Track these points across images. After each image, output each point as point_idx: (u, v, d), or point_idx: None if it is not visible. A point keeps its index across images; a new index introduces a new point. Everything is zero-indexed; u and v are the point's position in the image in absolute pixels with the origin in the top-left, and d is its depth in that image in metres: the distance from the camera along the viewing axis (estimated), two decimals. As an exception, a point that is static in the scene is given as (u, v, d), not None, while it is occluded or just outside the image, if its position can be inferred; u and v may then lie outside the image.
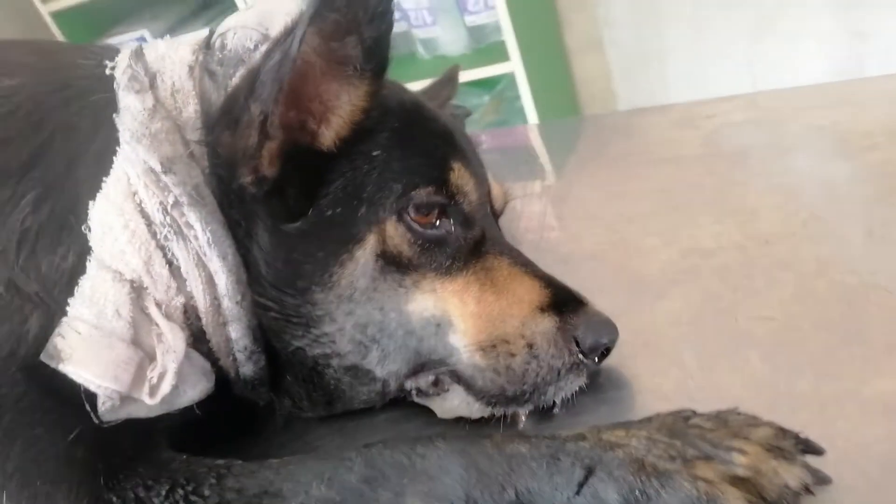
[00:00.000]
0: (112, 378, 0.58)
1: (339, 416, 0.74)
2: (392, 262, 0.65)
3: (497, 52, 2.34)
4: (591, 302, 0.69)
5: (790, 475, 0.52)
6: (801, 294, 0.74)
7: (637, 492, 0.53)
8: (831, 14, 2.44)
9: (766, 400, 0.64)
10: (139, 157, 0.60)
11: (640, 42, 2.74)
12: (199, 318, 0.64)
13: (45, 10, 2.67)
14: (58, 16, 2.70)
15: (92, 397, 0.58)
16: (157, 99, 0.63)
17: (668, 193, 0.99)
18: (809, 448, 0.55)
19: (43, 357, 0.58)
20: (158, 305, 0.61)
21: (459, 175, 0.68)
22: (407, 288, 0.66)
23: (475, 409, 0.67)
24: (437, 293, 0.66)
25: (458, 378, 0.67)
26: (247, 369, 0.68)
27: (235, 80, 0.63)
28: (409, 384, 0.69)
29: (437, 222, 0.67)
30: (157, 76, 0.65)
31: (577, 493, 0.54)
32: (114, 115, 0.62)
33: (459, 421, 0.69)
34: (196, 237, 0.61)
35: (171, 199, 0.60)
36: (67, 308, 0.59)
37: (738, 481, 0.52)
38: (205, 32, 0.71)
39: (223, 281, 0.62)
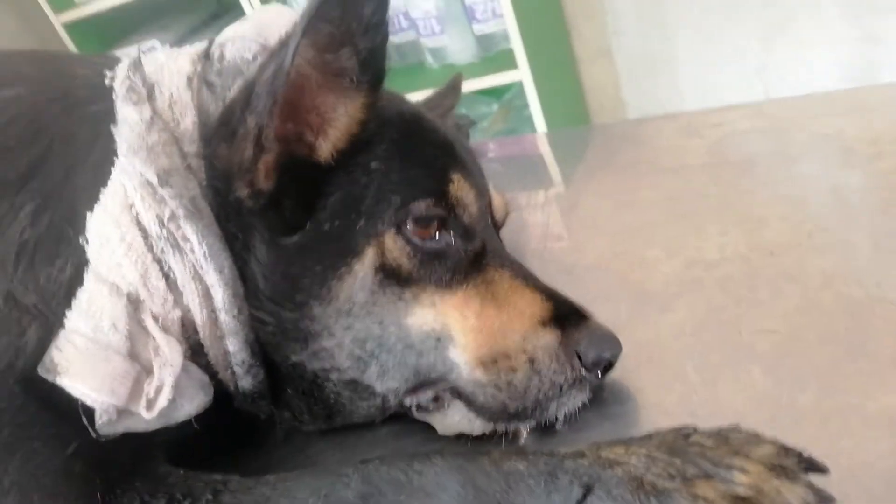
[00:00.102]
0: (109, 392, 0.58)
1: (340, 430, 0.73)
2: (391, 276, 0.65)
3: (505, 61, 2.34)
4: (594, 315, 0.68)
5: (793, 495, 0.51)
6: (805, 306, 0.73)
7: (635, 511, 0.52)
8: (844, 20, 2.42)
9: (768, 415, 0.63)
10: (136, 169, 0.60)
11: (649, 50, 2.74)
12: (196, 332, 0.64)
13: (58, 22, 2.70)
14: (70, 27, 2.73)
15: (89, 411, 0.58)
16: (154, 110, 0.63)
17: (673, 203, 0.98)
18: (813, 466, 0.54)
19: (40, 370, 0.58)
20: (155, 318, 0.61)
21: (459, 187, 0.67)
22: (406, 301, 0.65)
23: (476, 426, 0.66)
24: (436, 307, 0.66)
25: (458, 394, 0.66)
26: (245, 382, 0.68)
27: (233, 92, 0.63)
28: (409, 400, 0.69)
29: (437, 235, 0.66)
30: (156, 87, 0.64)
31: (575, 511, 0.53)
32: (111, 127, 0.62)
33: (460, 437, 0.68)
34: (192, 250, 0.61)
35: (167, 212, 0.60)
36: (65, 321, 0.59)
37: (739, 501, 0.51)
38: (205, 43, 0.71)
39: (220, 294, 0.62)
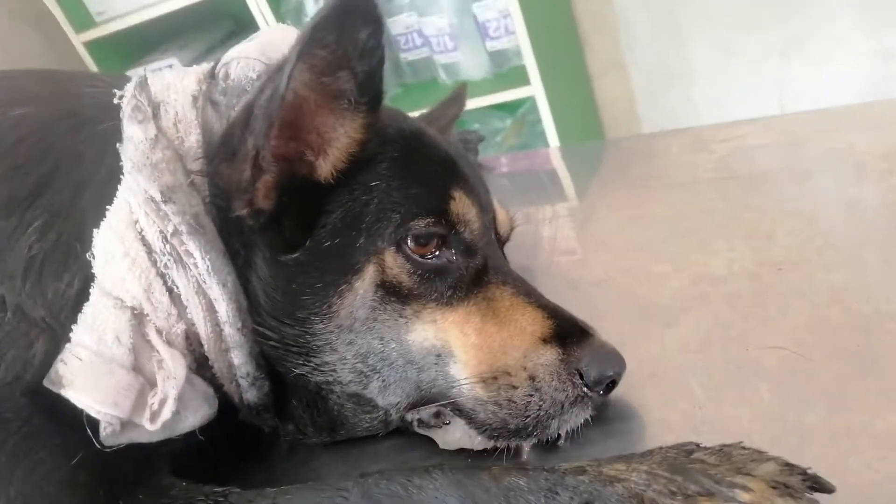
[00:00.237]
0: (112, 404, 0.59)
1: (343, 443, 0.74)
2: (392, 293, 0.65)
3: (518, 77, 2.35)
4: (598, 332, 0.68)
5: (796, 513, 0.51)
6: (814, 323, 0.72)
7: (635, 528, 0.51)
8: (861, 34, 2.40)
9: (774, 433, 0.62)
10: (140, 186, 0.61)
11: (663, 64, 2.73)
12: (201, 345, 0.64)
13: (78, 41, 2.75)
14: (91, 45, 2.78)
15: (94, 422, 0.59)
16: (159, 129, 0.64)
17: (681, 218, 0.97)
18: (818, 485, 0.53)
19: (45, 382, 0.59)
20: (159, 332, 0.62)
21: (460, 204, 0.68)
22: (407, 318, 0.66)
23: (477, 442, 0.66)
24: (437, 324, 0.66)
25: (459, 410, 0.66)
26: (250, 395, 0.68)
27: (235, 112, 0.64)
28: (411, 415, 0.69)
29: (438, 252, 0.67)
30: (161, 106, 0.66)
31: (575, 527, 0.53)
32: (117, 145, 0.63)
33: (462, 451, 0.68)
34: (196, 265, 0.61)
35: (170, 228, 0.60)
36: (70, 334, 0.60)
37: (740, 519, 0.50)
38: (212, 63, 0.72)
39: (223, 308, 0.63)
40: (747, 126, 1.18)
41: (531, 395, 0.63)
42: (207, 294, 0.62)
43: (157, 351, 0.61)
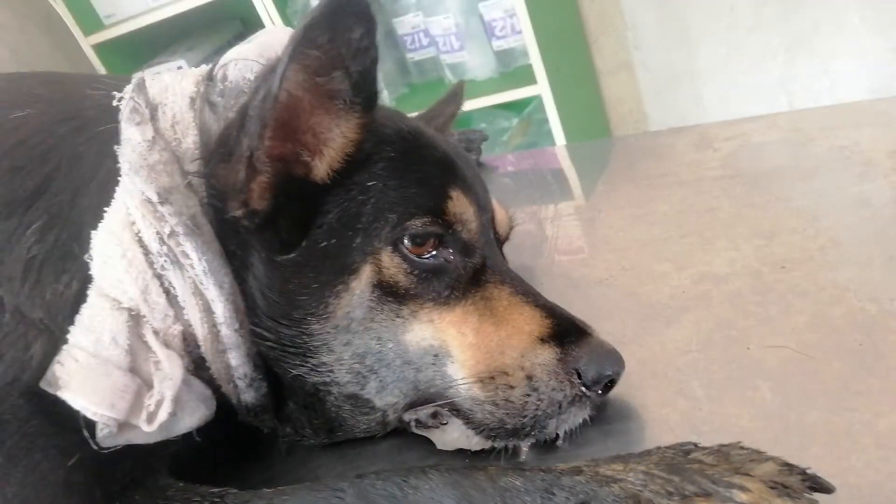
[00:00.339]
0: (108, 405, 0.59)
1: (341, 443, 0.74)
2: (389, 293, 0.65)
3: (524, 76, 2.35)
4: (596, 331, 0.67)
5: (794, 514, 0.50)
6: (816, 322, 0.72)
7: (631, 529, 0.51)
8: (869, 31, 2.38)
9: (774, 433, 0.61)
10: (137, 187, 0.61)
11: (670, 63, 2.72)
12: (198, 346, 0.64)
13: (87, 44, 2.77)
14: (100, 48, 2.79)
15: (91, 424, 0.59)
16: (156, 130, 0.64)
17: (684, 217, 0.97)
18: (817, 485, 0.53)
19: (42, 384, 0.59)
20: (156, 333, 0.62)
21: (458, 203, 0.67)
22: (404, 318, 0.65)
23: (475, 442, 0.66)
24: (434, 323, 0.66)
25: (456, 411, 0.66)
26: (248, 396, 0.68)
27: (232, 113, 0.64)
28: (408, 416, 0.68)
29: (435, 251, 0.66)
30: (159, 108, 0.66)
31: (571, 528, 0.53)
32: (115, 147, 0.63)
33: (460, 452, 0.68)
34: (192, 266, 0.61)
35: (167, 229, 0.61)
36: (68, 336, 0.60)
37: (737, 520, 0.50)
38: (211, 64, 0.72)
39: (220, 309, 0.63)
40: (752, 123, 1.17)
41: (529, 395, 0.63)
42: (204, 295, 0.62)
43: (154, 352, 0.61)
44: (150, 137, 0.63)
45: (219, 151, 0.63)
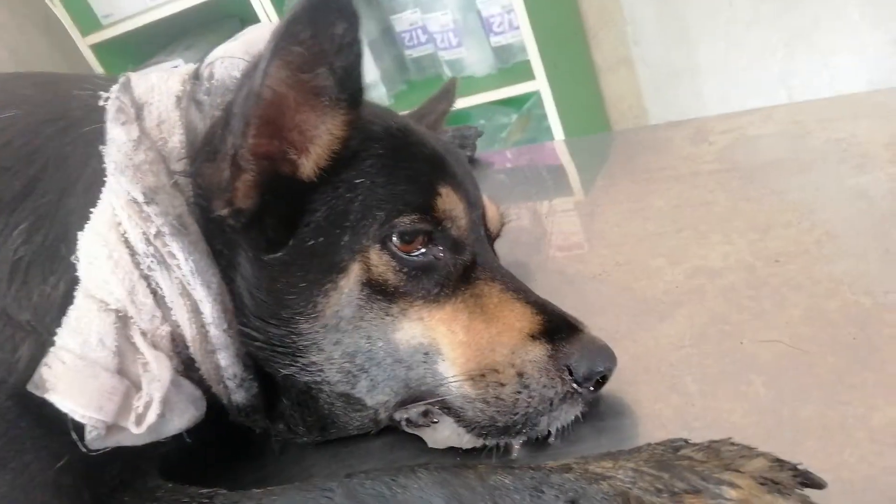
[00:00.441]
0: (96, 408, 0.58)
1: (334, 442, 0.73)
2: (378, 291, 0.64)
3: (523, 72, 2.34)
4: (588, 327, 0.67)
5: (785, 510, 0.50)
6: (810, 316, 0.71)
7: (620, 527, 0.50)
8: (868, 24, 2.37)
9: (767, 427, 0.61)
10: (122, 187, 0.60)
11: (670, 59, 2.71)
12: (187, 347, 0.64)
13: (84, 44, 2.76)
14: (98, 48, 2.79)
15: (79, 426, 0.59)
16: (142, 130, 0.63)
17: (680, 211, 0.96)
18: (809, 481, 0.52)
19: (29, 387, 0.59)
20: (144, 334, 0.61)
21: (447, 200, 0.67)
22: (394, 316, 0.65)
23: (465, 440, 0.65)
24: (424, 321, 0.65)
25: (447, 409, 0.65)
26: (238, 396, 0.68)
27: (218, 111, 0.63)
28: (399, 415, 0.68)
29: (424, 249, 0.66)
30: (145, 107, 0.65)
31: (560, 526, 0.52)
32: (101, 147, 0.63)
33: (452, 450, 0.67)
34: (179, 266, 0.61)
35: (153, 230, 0.60)
36: (55, 338, 0.60)
37: (727, 517, 0.49)
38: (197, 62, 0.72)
39: (208, 309, 0.62)
40: (748, 117, 1.16)
41: (519, 392, 0.63)
42: (192, 295, 0.62)
43: (142, 353, 0.61)
44: (135, 137, 0.62)
45: (204, 150, 0.62)
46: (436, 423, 0.67)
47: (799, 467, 0.53)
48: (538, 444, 0.66)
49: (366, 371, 0.66)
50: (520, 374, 0.63)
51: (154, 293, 0.61)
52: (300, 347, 0.65)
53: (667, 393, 0.67)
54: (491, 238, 0.78)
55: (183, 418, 0.63)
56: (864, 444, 0.57)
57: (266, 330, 0.65)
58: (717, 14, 2.56)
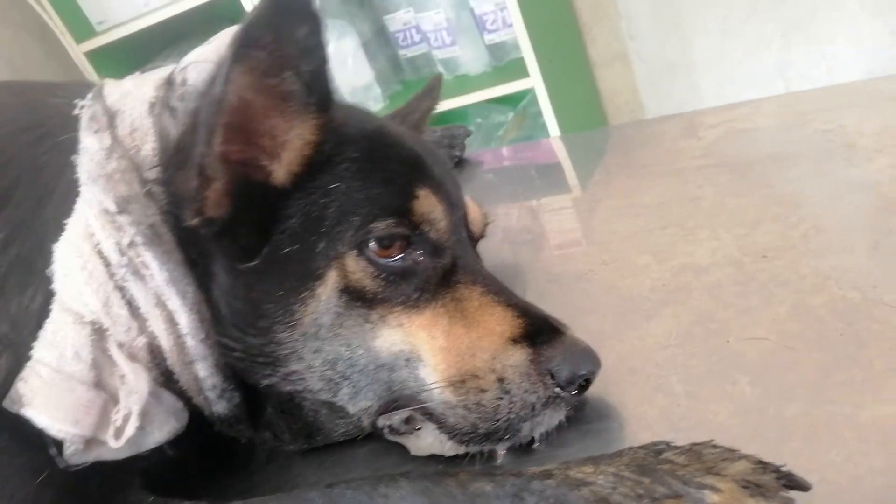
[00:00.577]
0: (72, 422, 0.58)
1: (320, 450, 0.73)
2: (356, 298, 0.63)
3: (517, 69, 2.33)
4: (571, 329, 0.66)
5: (767, 514, 0.49)
6: (797, 312, 0.70)
7: (599, 534, 0.50)
8: (866, 14, 2.35)
9: (753, 428, 0.60)
10: (95, 197, 0.60)
11: (665, 53, 2.70)
12: (165, 358, 0.63)
13: (79, 51, 2.76)
14: (92, 55, 2.79)
15: (58, 441, 0.58)
16: (114, 138, 0.62)
17: (666, 207, 0.95)
18: (792, 483, 0.51)
19: (6, 403, 0.58)
20: (120, 346, 0.61)
21: (425, 202, 0.66)
22: (373, 323, 0.64)
23: (448, 447, 0.65)
24: (404, 327, 0.64)
25: (429, 415, 0.64)
26: (219, 407, 0.67)
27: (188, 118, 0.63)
28: (382, 422, 0.67)
29: (402, 253, 0.65)
30: (118, 115, 0.64)
31: (540, 534, 0.51)
32: (73, 157, 0.62)
33: (436, 457, 0.66)
34: (153, 276, 0.60)
35: (126, 240, 0.59)
36: (31, 351, 0.60)
37: (708, 522, 0.49)
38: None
39: (184, 320, 0.62)
40: (735, 110, 1.15)
41: (500, 398, 0.62)
42: (167, 305, 0.61)
43: (119, 366, 0.61)
44: (107, 145, 0.61)
45: (176, 158, 0.61)
46: (418, 430, 0.66)
47: (782, 469, 0.52)
48: (523, 449, 0.65)
49: (347, 378, 0.65)
50: (500, 380, 0.62)
51: (129, 304, 0.61)
52: (280, 357, 0.64)
53: (652, 394, 0.67)
54: (474, 239, 0.77)
55: (163, 430, 0.63)
56: (850, 443, 0.56)
57: (244, 340, 0.64)
58: (713, 6, 2.54)
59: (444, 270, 0.67)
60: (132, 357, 0.61)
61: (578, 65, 2.77)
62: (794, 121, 1.05)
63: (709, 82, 2.69)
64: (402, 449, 0.68)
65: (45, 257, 0.61)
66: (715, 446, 0.54)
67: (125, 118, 0.64)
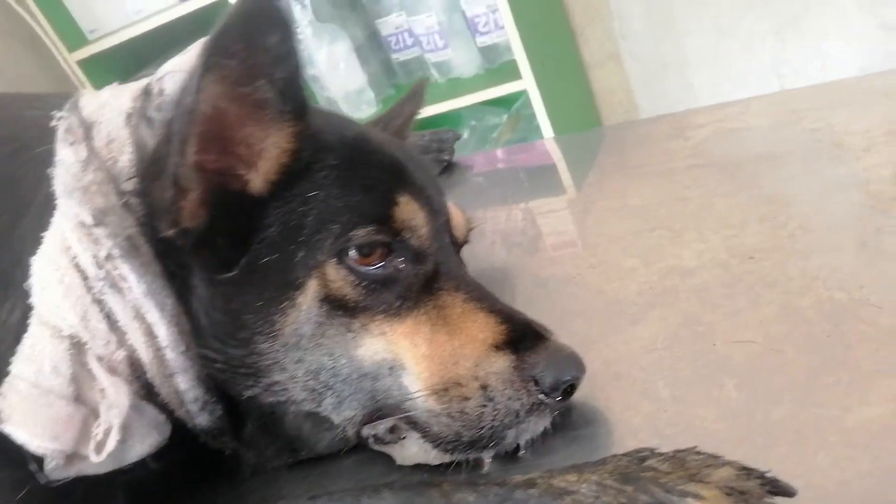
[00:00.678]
0: (51, 437, 0.57)
1: (305, 462, 0.72)
2: (338, 306, 0.63)
3: (510, 71, 2.33)
4: (555, 335, 0.65)
5: (751, 521, 0.48)
6: (784, 314, 0.69)
7: (581, 544, 0.49)
8: (860, 10, 2.34)
9: (739, 432, 0.59)
10: (71, 210, 0.59)
11: (659, 52, 2.69)
12: (145, 371, 0.63)
13: (72, 60, 2.76)
14: (84, 63, 2.79)
15: (39, 456, 0.58)
16: (91, 150, 0.62)
17: (653, 209, 0.94)
18: (777, 489, 0.50)
19: None
20: (100, 360, 0.60)
21: (406, 209, 0.65)
22: (355, 332, 0.63)
23: (433, 456, 0.64)
24: (386, 336, 0.64)
25: (413, 424, 0.64)
26: (202, 420, 0.66)
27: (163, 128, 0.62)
28: (367, 431, 0.66)
29: (383, 261, 0.64)
30: (94, 126, 0.64)
31: (522, 545, 0.51)
32: (49, 170, 0.62)
33: (421, 466, 0.66)
34: (131, 289, 0.59)
35: (103, 252, 0.59)
36: (10, 367, 0.59)
37: (691, 530, 0.48)
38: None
39: (163, 332, 0.61)
40: (723, 110, 1.14)
41: (484, 406, 0.61)
42: (145, 318, 0.60)
43: (99, 380, 0.60)
44: (83, 157, 0.61)
45: (152, 169, 0.61)
46: (403, 439, 0.65)
47: (767, 475, 0.51)
48: (509, 457, 0.64)
49: (331, 388, 0.65)
50: (483, 387, 0.61)
51: (108, 317, 0.60)
52: (261, 368, 0.64)
53: (638, 399, 0.66)
54: (457, 245, 0.76)
55: (145, 444, 0.62)
56: (837, 447, 0.55)
57: (225, 351, 0.63)
58: (706, 4, 2.54)
59: (426, 277, 0.66)
60: (112, 370, 0.60)
61: (571, 65, 2.77)
62: (784, 119, 1.04)
63: (703, 81, 2.69)
64: (388, 458, 0.68)
65: (23, 271, 0.61)
66: (698, 453, 0.54)
67: (102, 129, 0.64)
